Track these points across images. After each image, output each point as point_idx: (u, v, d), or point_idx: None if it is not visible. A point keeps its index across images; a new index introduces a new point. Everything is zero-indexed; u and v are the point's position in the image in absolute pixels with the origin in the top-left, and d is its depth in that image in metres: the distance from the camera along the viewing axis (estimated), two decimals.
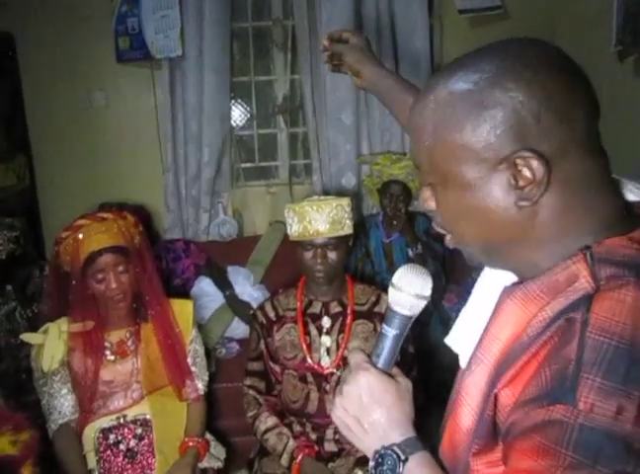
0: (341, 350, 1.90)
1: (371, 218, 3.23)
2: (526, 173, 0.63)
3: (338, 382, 1.90)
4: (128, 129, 3.39)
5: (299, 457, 1.81)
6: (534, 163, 0.63)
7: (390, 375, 0.80)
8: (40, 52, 3.20)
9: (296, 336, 1.92)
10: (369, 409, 0.76)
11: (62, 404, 1.83)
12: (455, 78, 0.67)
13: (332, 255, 1.88)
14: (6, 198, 3.27)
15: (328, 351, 1.91)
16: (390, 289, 0.81)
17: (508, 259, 0.71)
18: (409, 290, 0.79)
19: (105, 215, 1.87)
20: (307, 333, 1.93)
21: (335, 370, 1.90)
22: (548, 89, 0.63)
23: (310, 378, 1.91)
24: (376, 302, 1.97)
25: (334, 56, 1.25)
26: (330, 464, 1.87)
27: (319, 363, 1.91)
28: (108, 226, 1.84)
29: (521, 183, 0.64)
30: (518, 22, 3.34)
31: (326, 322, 1.94)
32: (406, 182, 2.98)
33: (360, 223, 3.10)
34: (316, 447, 1.88)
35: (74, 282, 1.82)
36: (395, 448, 0.73)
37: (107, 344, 1.87)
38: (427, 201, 0.75)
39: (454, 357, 0.83)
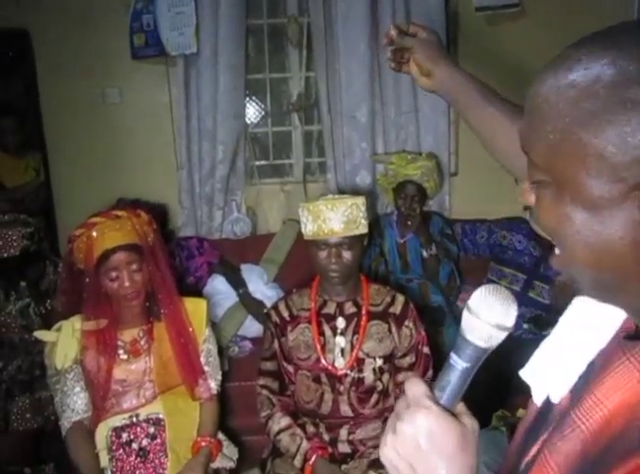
0: (355, 350, 1.88)
1: (386, 218, 3.20)
2: None
3: (352, 383, 1.88)
4: (143, 126, 3.39)
5: (313, 459, 1.79)
6: None
7: (454, 415, 0.65)
8: (55, 49, 3.21)
9: (310, 336, 1.91)
10: (427, 456, 0.62)
11: (75, 402, 1.82)
12: (606, 60, 0.50)
13: (347, 254, 1.86)
14: (24, 197, 3.31)
15: (342, 351, 1.89)
16: (465, 314, 0.66)
17: (623, 299, 0.58)
18: (488, 319, 0.64)
19: (119, 213, 1.86)
20: (321, 333, 1.91)
21: (349, 371, 1.89)
22: None
23: (324, 379, 1.90)
24: (391, 303, 1.95)
25: (397, 52, 1.07)
26: (343, 466, 1.85)
27: (333, 364, 1.89)
28: (121, 224, 1.83)
29: None
30: (534, 20, 3.30)
31: (340, 322, 1.92)
32: (421, 182, 2.95)
33: (375, 223, 3.08)
34: (330, 449, 1.87)
35: (87, 280, 1.82)
36: None
37: (120, 342, 1.87)
38: (525, 194, 0.62)
39: None
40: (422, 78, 1.05)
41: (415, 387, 0.66)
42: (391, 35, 1.05)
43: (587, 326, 0.66)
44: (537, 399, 0.71)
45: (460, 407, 0.67)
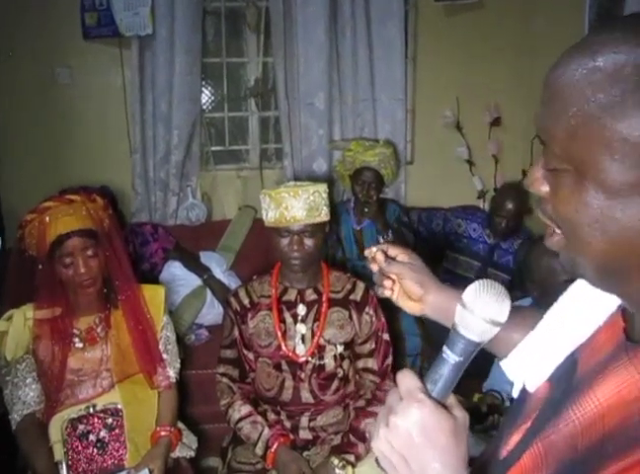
0: (316, 337, 1.88)
1: (342, 205, 3.22)
2: None
3: (313, 370, 1.88)
4: (95, 109, 3.27)
5: (274, 446, 1.78)
6: None
7: (445, 407, 0.65)
8: (1, 26, 3.06)
9: (271, 323, 1.89)
10: (420, 449, 0.62)
11: (27, 394, 1.76)
12: (628, 47, 0.50)
13: (309, 242, 1.85)
14: None
15: (303, 338, 1.89)
16: (459, 309, 0.66)
17: (627, 288, 0.58)
18: (483, 314, 0.64)
19: (73, 197, 1.80)
20: (282, 320, 1.90)
21: (310, 358, 1.89)
22: None
23: (285, 366, 1.89)
24: (352, 290, 1.96)
25: (384, 276, 0.99)
26: (305, 453, 1.85)
27: (294, 351, 1.88)
28: (75, 208, 1.78)
29: None
30: (492, 12, 3.36)
31: (301, 310, 1.91)
32: (378, 169, 2.96)
33: (332, 210, 3.08)
34: (291, 436, 1.87)
35: (40, 267, 1.75)
36: None
37: (75, 331, 1.81)
38: (535, 183, 0.60)
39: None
40: (409, 302, 0.98)
41: (408, 380, 0.65)
42: (379, 260, 0.99)
43: (570, 320, 0.67)
44: (516, 392, 0.73)
45: (451, 399, 0.66)
